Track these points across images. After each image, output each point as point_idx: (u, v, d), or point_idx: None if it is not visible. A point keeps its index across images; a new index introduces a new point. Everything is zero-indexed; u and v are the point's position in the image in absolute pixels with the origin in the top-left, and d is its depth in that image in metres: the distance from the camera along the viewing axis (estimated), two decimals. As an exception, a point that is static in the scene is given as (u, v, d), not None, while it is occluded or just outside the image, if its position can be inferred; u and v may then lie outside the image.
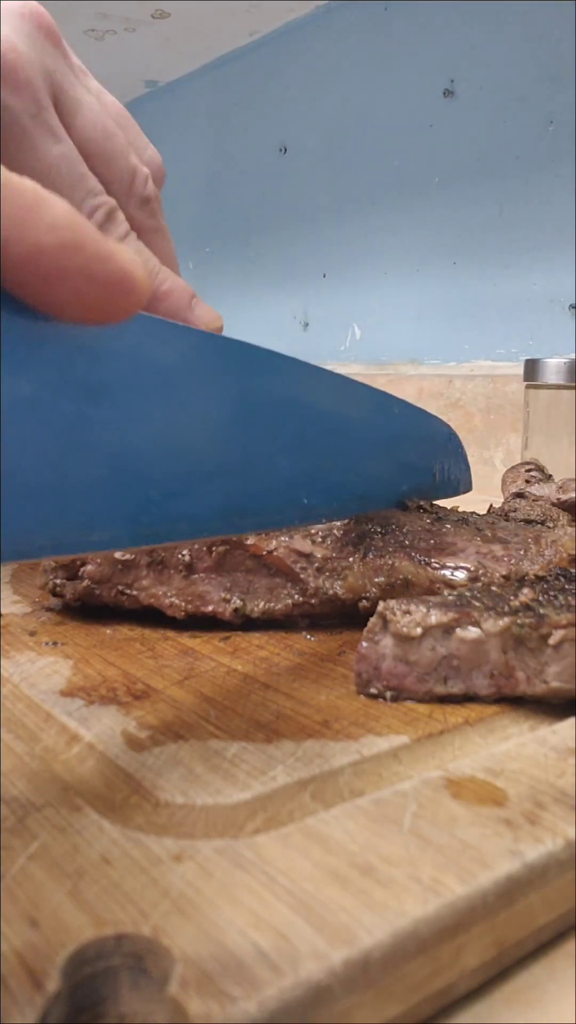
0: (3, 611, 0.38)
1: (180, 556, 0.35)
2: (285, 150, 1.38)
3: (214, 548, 0.35)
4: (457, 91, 1.09)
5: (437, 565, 0.34)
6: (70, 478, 0.20)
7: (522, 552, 0.36)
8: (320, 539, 0.36)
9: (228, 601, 0.35)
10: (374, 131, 1.21)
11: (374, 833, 0.19)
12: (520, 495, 0.50)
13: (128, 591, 0.35)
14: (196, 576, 0.35)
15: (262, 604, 0.35)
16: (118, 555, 0.35)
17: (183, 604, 0.35)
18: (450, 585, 0.34)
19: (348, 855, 0.18)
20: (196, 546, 0.35)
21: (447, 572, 0.34)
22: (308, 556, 0.35)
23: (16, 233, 0.15)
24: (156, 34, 1.32)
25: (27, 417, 0.19)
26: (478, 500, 0.62)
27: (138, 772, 0.23)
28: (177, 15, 1.24)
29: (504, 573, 0.34)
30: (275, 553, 0.35)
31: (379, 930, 0.16)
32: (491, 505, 0.48)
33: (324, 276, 1.33)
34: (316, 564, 0.35)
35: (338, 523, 0.36)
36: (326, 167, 1.30)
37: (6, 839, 0.19)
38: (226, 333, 1.23)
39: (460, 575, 0.34)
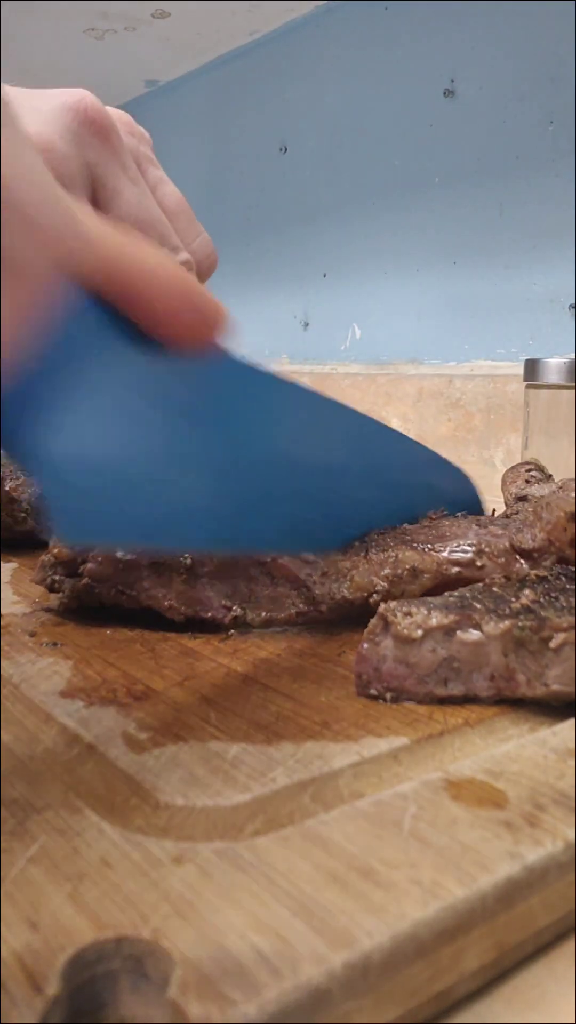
0: (3, 611, 0.38)
1: (182, 559, 0.35)
2: (285, 150, 1.38)
3: (215, 553, 0.34)
4: (457, 91, 1.09)
5: (441, 548, 0.34)
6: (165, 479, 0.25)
7: (521, 526, 0.36)
8: None
9: (229, 609, 0.35)
10: (374, 131, 1.21)
11: (374, 835, 0.19)
12: (523, 498, 0.50)
13: (128, 591, 0.35)
14: (198, 581, 0.35)
15: (264, 614, 0.35)
16: (120, 554, 0.35)
17: (182, 608, 0.35)
18: (457, 564, 0.34)
19: (348, 857, 0.18)
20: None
21: (451, 553, 0.34)
22: (312, 563, 0.35)
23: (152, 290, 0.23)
24: (156, 34, 1.32)
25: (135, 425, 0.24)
26: (478, 500, 0.62)
27: (138, 774, 0.23)
28: (177, 15, 1.24)
29: (506, 546, 0.34)
30: (280, 561, 0.34)
31: (379, 933, 0.16)
32: (494, 510, 0.48)
33: (324, 276, 1.33)
34: (321, 569, 0.35)
35: None
36: (326, 167, 1.30)
37: (6, 841, 0.19)
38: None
39: (465, 553, 0.34)
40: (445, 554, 0.34)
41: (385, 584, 0.34)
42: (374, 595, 0.34)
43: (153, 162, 0.39)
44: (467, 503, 0.42)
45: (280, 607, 0.35)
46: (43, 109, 0.35)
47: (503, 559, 0.34)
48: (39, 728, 0.26)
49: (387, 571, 0.34)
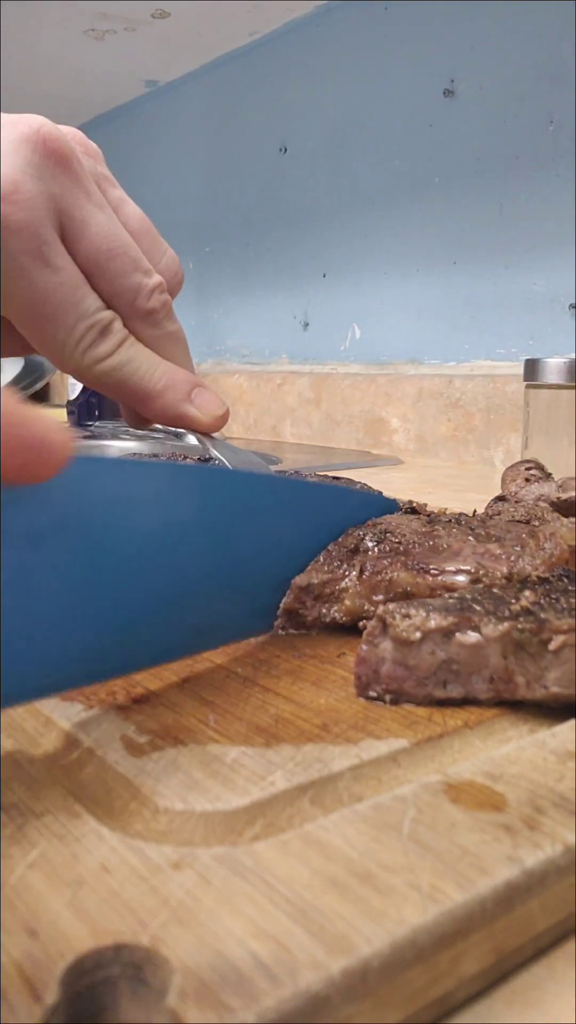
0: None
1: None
2: (285, 150, 1.38)
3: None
4: (457, 91, 1.09)
5: (436, 571, 0.34)
6: (20, 624, 0.21)
7: (519, 548, 0.35)
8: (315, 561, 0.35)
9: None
10: (374, 131, 1.21)
11: (373, 839, 0.19)
12: (501, 498, 0.50)
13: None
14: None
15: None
16: None
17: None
18: (451, 589, 0.34)
19: (347, 862, 0.18)
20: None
21: (447, 578, 0.34)
22: (307, 588, 0.34)
23: None
24: (156, 34, 1.32)
25: None
26: (478, 500, 0.62)
27: (137, 778, 0.23)
28: (177, 15, 1.24)
29: (505, 573, 0.34)
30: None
31: (378, 939, 0.16)
32: (475, 510, 0.48)
33: (324, 276, 1.33)
34: (314, 593, 0.34)
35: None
36: (326, 167, 1.30)
37: (5, 847, 0.19)
38: (226, 333, 1.24)
39: (461, 579, 0.34)
40: (440, 578, 0.34)
41: (376, 609, 0.34)
42: (363, 619, 0.34)
43: (111, 181, 0.39)
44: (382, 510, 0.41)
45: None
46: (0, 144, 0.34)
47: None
48: (38, 732, 0.26)
49: (379, 596, 0.34)
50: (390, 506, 0.41)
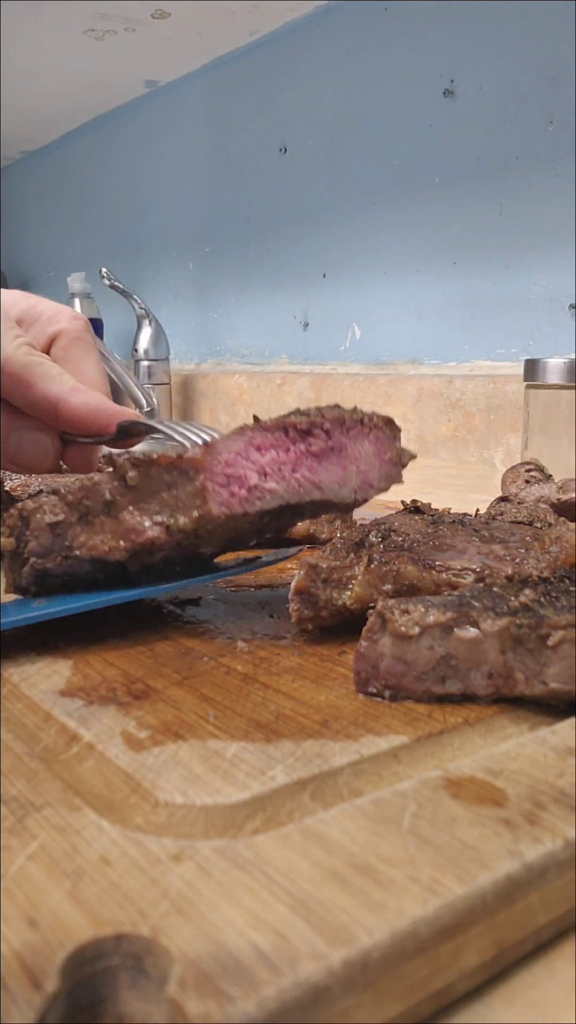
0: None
1: (103, 498, 0.34)
2: (285, 150, 1.38)
3: (127, 476, 0.34)
4: (457, 91, 1.09)
5: (442, 567, 0.34)
6: None
7: (523, 551, 0.36)
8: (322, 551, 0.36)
9: (161, 524, 0.34)
10: (374, 131, 1.21)
11: (373, 833, 0.19)
12: (504, 499, 0.50)
13: (72, 553, 0.35)
14: (123, 513, 0.34)
15: (195, 513, 0.33)
16: (49, 520, 0.35)
17: (120, 544, 0.34)
18: (455, 587, 0.34)
19: (347, 855, 0.18)
20: (115, 482, 0.34)
21: (452, 575, 0.34)
22: (316, 568, 0.34)
23: None
24: (156, 34, 1.32)
25: None
26: (478, 500, 0.62)
27: (137, 772, 0.23)
28: (177, 15, 1.24)
29: (509, 574, 0.34)
30: (188, 456, 0.34)
31: (378, 930, 0.16)
32: (477, 510, 0.48)
33: (324, 276, 1.33)
34: (323, 575, 0.34)
35: (338, 534, 0.37)
36: (326, 167, 1.30)
37: (5, 839, 0.19)
38: (226, 333, 1.24)
39: (465, 577, 0.34)
40: (446, 575, 0.34)
41: (384, 600, 0.34)
42: (371, 609, 0.34)
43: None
44: None
45: (206, 499, 0.34)
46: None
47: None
48: (39, 726, 0.26)
49: (388, 586, 0.34)
50: None
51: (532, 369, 0.75)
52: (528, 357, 0.77)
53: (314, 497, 0.35)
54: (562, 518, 0.43)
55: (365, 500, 0.37)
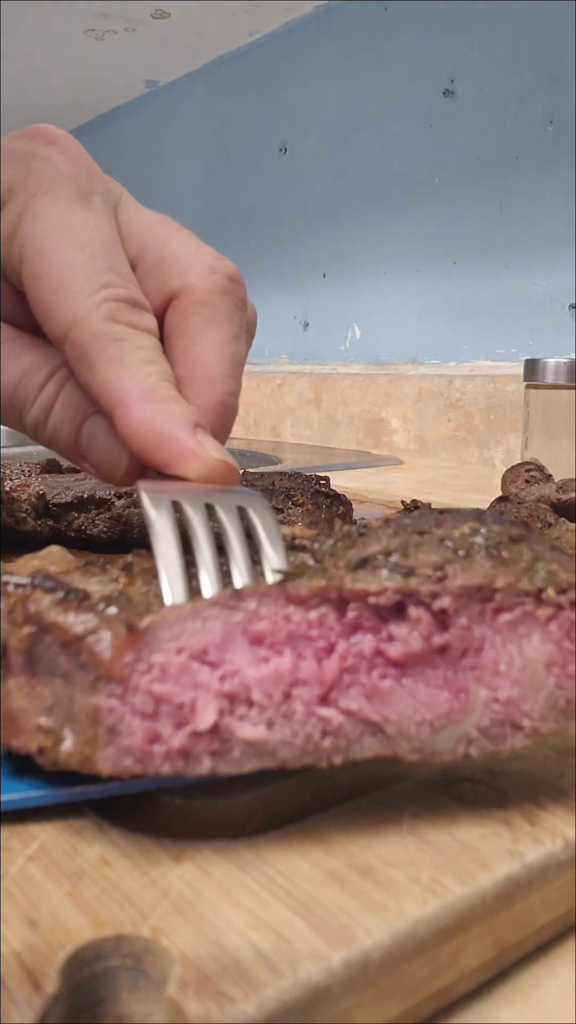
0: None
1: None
2: (285, 150, 1.38)
3: (19, 627, 0.19)
4: (457, 91, 1.09)
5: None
6: None
7: None
8: None
9: (43, 731, 0.19)
10: (374, 131, 1.21)
11: (373, 834, 0.19)
12: (504, 499, 0.50)
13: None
14: (12, 680, 0.19)
15: (81, 750, 0.18)
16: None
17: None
18: None
19: (347, 855, 0.18)
20: (8, 627, 0.19)
21: None
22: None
23: None
24: (156, 34, 1.32)
25: None
26: (478, 500, 0.62)
27: (137, 772, 0.23)
28: (177, 15, 1.24)
29: None
30: (85, 641, 0.18)
31: (378, 931, 0.16)
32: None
33: (324, 276, 1.33)
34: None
35: None
36: (326, 167, 1.30)
37: (5, 839, 0.19)
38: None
39: None
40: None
41: None
42: None
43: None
44: None
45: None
46: None
47: None
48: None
49: None
50: None
51: (532, 369, 0.75)
52: (528, 357, 0.77)
53: (359, 755, 0.19)
54: (562, 518, 0.43)
55: (481, 756, 0.19)
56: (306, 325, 1.38)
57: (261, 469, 0.61)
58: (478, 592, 0.18)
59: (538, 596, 0.18)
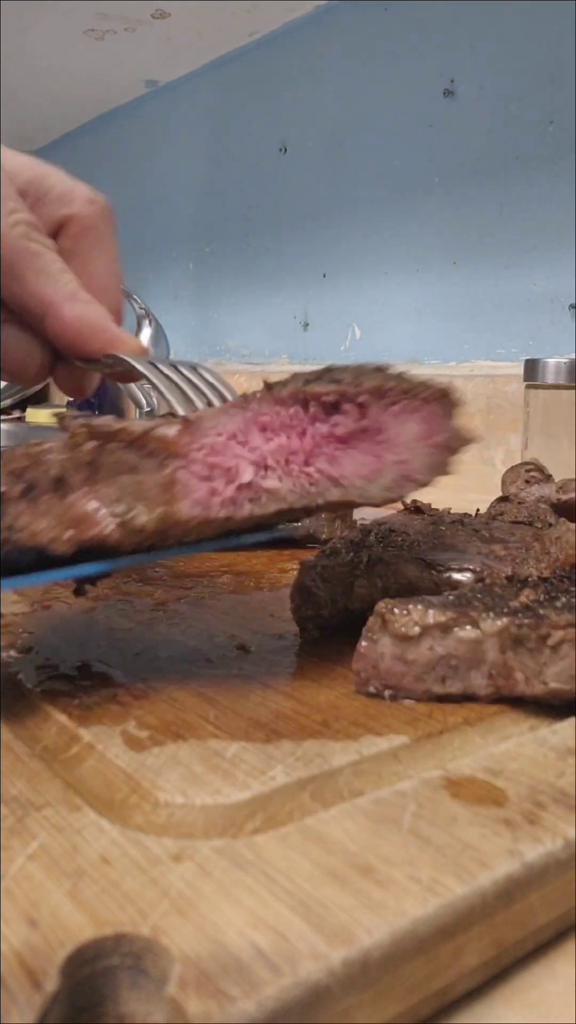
0: (3, 611, 0.38)
1: (50, 473, 0.27)
2: (285, 150, 1.38)
3: (81, 449, 0.27)
4: (457, 91, 1.09)
5: (441, 568, 0.34)
6: None
7: (524, 551, 0.36)
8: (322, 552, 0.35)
9: (118, 515, 0.26)
10: (374, 131, 1.21)
11: (373, 833, 0.19)
12: (505, 499, 0.50)
13: (13, 536, 0.27)
14: (74, 494, 0.26)
15: (159, 510, 0.26)
16: None
17: (65, 535, 0.26)
18: (455, 586, 0.34)
19: (347, 855, 0.18)
20: (66, 455, 0.27)
21: (452, 575, 0.34)
22: (314, 567, 0.34)
23: None
24: (156, 34, 1.32)
25: None
26: (479, 500, 0.62)
27: (137, 772, 0.23)
28: (177, 15, 1.24)
29: (509, 574, 0.34)
30: (152, 433, 0.27)
31: (378, 930, 0.16)
32: (477, 510, 0.48)
33: (324, 276, 1.33)
34: (323, 575, 0.34)
35: (338, 533, 0.35)
36: (326, 167, 1.30)
37: (5, 839, 0.19)
38: (226, 333, 1.23)
39: (465, 577, 0.34)
40: (446, 575, 0.34)
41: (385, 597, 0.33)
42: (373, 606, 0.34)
43: None
44: None
45: (176, 497, 0.27)
46: None
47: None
48: (39, 726, 0.26)
49: (388, 586, 0.34)
50: None
51: (532, 369, 0.75)
52: (528, 357, 0.77)
53: (330, 498, 0.27)
54: (562, 518, 0.43)
55: (398, 498, 0.29)
56: (306, 325, 1.38)
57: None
58: (379, 391, 0.28)
59: (411, 392, 0.28)
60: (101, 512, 0.26)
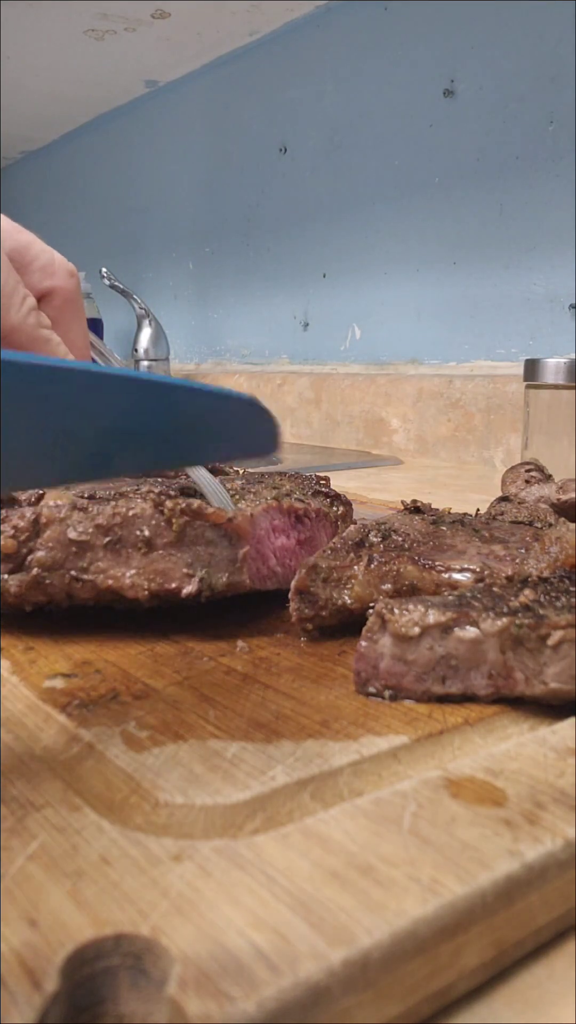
0: (3, 612, 0.38)
1: (139, 533, 0.34)
2: (285, 150, 1.38)
3: (173, 520, 0.34)
4: (457, 91, 1.09)
5: (442, 568, 0.34)
6: None
7: (524, 551, 0.36)
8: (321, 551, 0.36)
9: (191, 576, 0.34)
10: (374, 131, 1.21)
11: (373, 833, 0.19)
12: (505, 499, 0.50)
13: (83, 576, 0.33)
14: (156, 553, 0.34)
15: (225, 577, 0.35)
16: (72, 535, 0.33)
17: (145, 584, 0.34)
18: (455, 586, 0.34)
19: (347, 855, 0.18)
20: (155, 521, 0.34)
21: (452, 575, 0.34)
22: (315, 568, 0.34)
23: None
24: (156, 34, 1.32)
25: None
26: (479, 500, 0.62)
27: (137, 772, 0.23)
28: (177, 15, 1.24)
29: (509, 574, 0.34)
30: (235, 522, 0.35)
31: (378, 930, 0.16)
32: (477, 510, 0.48)
33: (324, 276, 1.33)
34: (323, 575, 0.34)
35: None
36: (326, 167, 1.30)
37: (5, 839, 0.19)
38: (226, 333, 1.23)
39: (465, 577, 0.34)
40: (446, 575, 0.34)
41: (383, 599, 0.34)
42: (371, 608, 0.34)
43: None
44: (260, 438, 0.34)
45: (241, 570, 0.35)
46: None
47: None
48: (39, 727, 0.26)
49: (387, 586, 0.34)
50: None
51: (532, 369, 0.75)
52: (528, 357, 0.77)
53: (283, 588, 0.37)
54: (562, 518, 0.43)
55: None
56: (306, 325, 1.38)
57: (262, 469, 0.61)
58: (313, 510, 0.40)
59: (320, 513, 0.41)
60: (181, 571, 0.34)
